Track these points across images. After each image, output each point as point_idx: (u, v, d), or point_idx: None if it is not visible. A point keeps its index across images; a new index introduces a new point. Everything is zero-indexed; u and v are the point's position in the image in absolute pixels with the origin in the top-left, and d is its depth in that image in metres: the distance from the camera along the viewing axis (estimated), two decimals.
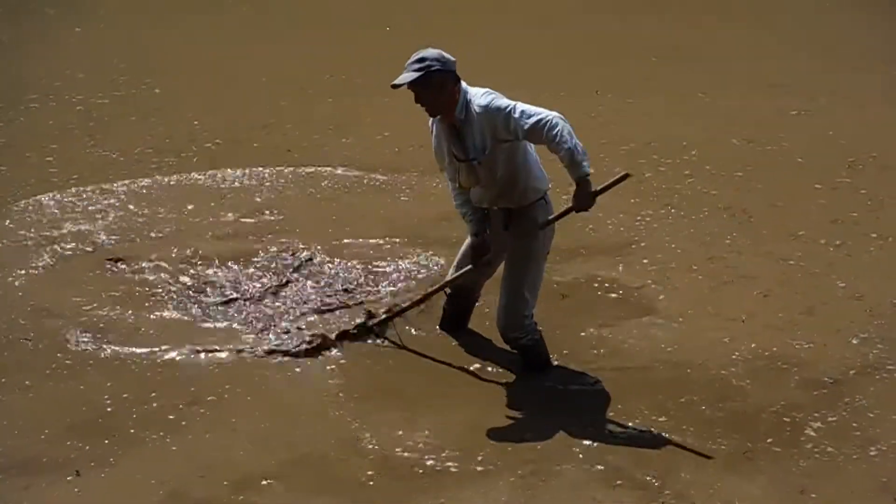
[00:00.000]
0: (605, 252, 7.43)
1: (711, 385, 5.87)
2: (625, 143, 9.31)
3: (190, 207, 8.12)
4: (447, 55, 5.66)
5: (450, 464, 5.24)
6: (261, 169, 8.82)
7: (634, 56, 11.93)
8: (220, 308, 6.62)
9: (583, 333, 6.41)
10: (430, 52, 5.63)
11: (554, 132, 5.54)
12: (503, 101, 5.67)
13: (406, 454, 5.31)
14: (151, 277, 6.97)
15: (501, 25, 13.64)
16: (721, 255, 7.37)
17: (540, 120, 5.57)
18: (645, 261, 7.30)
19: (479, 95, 5.70)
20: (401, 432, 5.47)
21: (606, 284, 7.01)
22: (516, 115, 5.61)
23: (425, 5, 14.52)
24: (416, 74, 5.58)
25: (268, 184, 8.60)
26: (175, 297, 6.74)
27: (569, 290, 6.92)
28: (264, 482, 5.10)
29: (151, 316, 6.49)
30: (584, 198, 5.65)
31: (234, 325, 6.41)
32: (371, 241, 7.45)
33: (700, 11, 14.19)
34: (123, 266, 7.03)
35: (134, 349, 6.17)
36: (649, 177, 8.61)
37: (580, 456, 5.30)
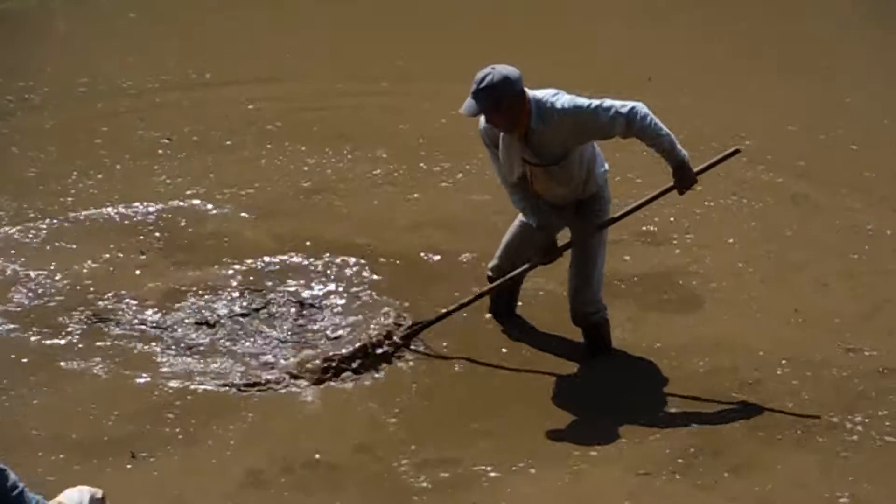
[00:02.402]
0: (662, 242, 7.36)
1: (756, 382, 5.88)
2: (678, 131, 8.99)
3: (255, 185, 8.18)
4: (512, 73, 5.53)
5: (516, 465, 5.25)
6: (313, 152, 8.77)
7: (678, 43, 11.60)
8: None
9: (637, 323, 6.42)
10: (495, 77, 5.49)
11: (647, 122, 5.53)
12: (584, 101, 5.58)
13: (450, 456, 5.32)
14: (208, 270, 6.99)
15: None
16: (780, 246, 7.26)
17: (632, 110, 5.53)
18: (704, 250, 7.23)
19: (557, 100, 5.59)
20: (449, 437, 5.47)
21: (662, 275, 6.96)
22: (609, 113, 5.53)
23: None
24: (482, 105, 5.50)
25: (321, 166, 8.54)
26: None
27: (624, 279, 6.87)
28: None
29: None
30: (688, 178, 5.69)
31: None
32: None
33: None
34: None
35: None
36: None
37: (624, 440, 5.44)
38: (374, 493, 5.09)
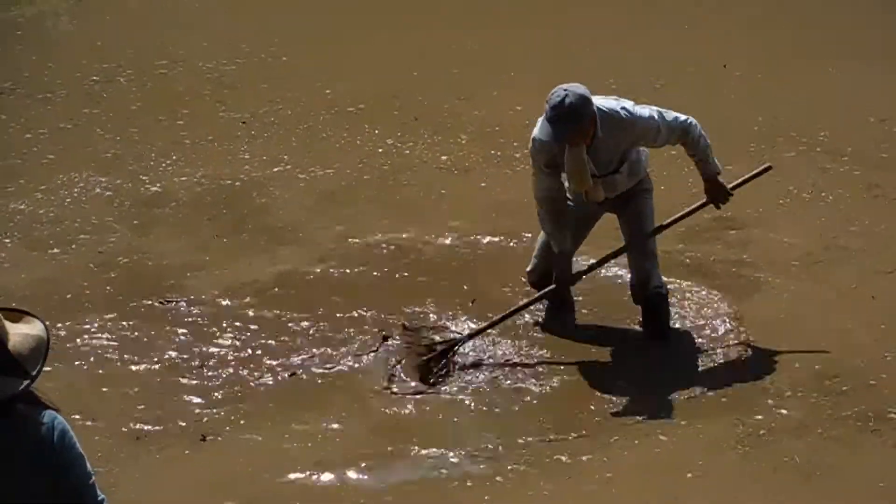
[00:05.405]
0: (734, 229, 7.45)
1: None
2: (754, 119, 9.04)
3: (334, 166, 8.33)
4: (585, 91, 5.70)
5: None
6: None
7: (755, 28, 11.52)
8: None
9: (705, 310, 6.58)
10: (575, 99, 5.62)
11: (698, 134, 5.86)
12: (647, 110, 5.84)
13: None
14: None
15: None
16: (843, 240, 7.33)
17: (689, 122, 5.84)
18: (776, 240, 7.33)
19: (623, 108, 5.82)
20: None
21: (725, 263, 7.09)
22: (671, 123, 5.83)
23: None
24: (567, 130, 5.63)
25: (398, 150, 8.67)
26: None
27: (696, 266, 7.01)
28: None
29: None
30: (721, 192, 6.02)
31: None
32: None
33: None
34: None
35: None
36: (791, 157, 8.38)
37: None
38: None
